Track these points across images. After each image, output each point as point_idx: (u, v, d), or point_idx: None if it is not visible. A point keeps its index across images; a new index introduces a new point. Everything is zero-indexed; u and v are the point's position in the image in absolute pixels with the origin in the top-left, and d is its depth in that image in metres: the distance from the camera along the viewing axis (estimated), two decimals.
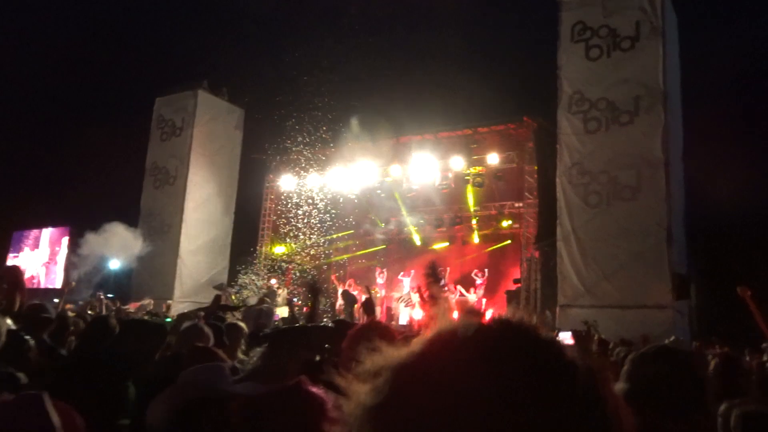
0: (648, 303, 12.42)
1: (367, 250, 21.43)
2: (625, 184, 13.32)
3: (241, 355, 4.00)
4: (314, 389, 1.55)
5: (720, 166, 13.93)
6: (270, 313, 6.31)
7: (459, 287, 17.65)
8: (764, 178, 13.54)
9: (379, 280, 19.40)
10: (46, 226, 23.40)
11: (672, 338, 7.07)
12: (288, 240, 20.63)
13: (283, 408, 1.53)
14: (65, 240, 22.46)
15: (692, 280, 13.13)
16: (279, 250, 21.27)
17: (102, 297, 9.91)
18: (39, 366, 2.76)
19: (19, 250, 23.45)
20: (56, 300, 9.40)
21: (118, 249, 17.22)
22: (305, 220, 19.98)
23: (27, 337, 2.90)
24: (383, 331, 2.17)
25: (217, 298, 8.20)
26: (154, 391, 2.37)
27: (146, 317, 9.53)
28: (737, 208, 13.46)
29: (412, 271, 19.08)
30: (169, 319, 7.60)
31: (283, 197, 21.66)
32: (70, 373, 2.62)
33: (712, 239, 13.88)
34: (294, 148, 20.06)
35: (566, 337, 4.15)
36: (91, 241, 21.04)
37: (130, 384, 2.60)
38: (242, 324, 4.21)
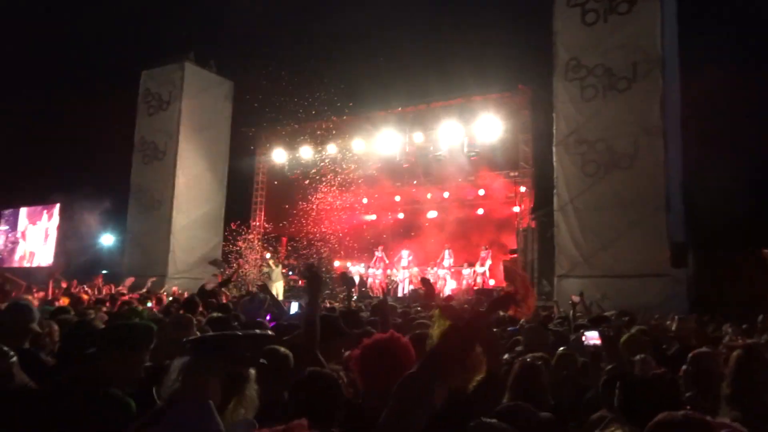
0: (646, 272, 12.34)
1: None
2: (622, 153, 13.12)
3: None
4: None
5: (718, 133, 13.71)
6: (262, 300, 6.09)
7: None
8: (763, 146, 13.34)
9: (378, 254, 19.20)
10: (35, 204, 23.11)
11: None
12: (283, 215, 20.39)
13: None
14: (55, 217, 22.21)
15: (690, 248, 13.05)
16: (272, 224, 21.10)
17: (101, 280, 9.64)
18: (22, 385, 2.52)
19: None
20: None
21: None
22: (300, 194, 19.70)
23: (6, 349, 2.62)
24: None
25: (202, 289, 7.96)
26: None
27: (141, 298, 9.37)
28: (735, 176, 13.29)
29: (403, 251, 18.95)
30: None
31: (275, 170, 21.39)
32: (59, 399, 2.41)
33: (710, 207, 13.74)
34: (286, 121, 19.69)
35: (593, 337, 3.95)
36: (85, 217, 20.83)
37: (131, 401, 2.43)
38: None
